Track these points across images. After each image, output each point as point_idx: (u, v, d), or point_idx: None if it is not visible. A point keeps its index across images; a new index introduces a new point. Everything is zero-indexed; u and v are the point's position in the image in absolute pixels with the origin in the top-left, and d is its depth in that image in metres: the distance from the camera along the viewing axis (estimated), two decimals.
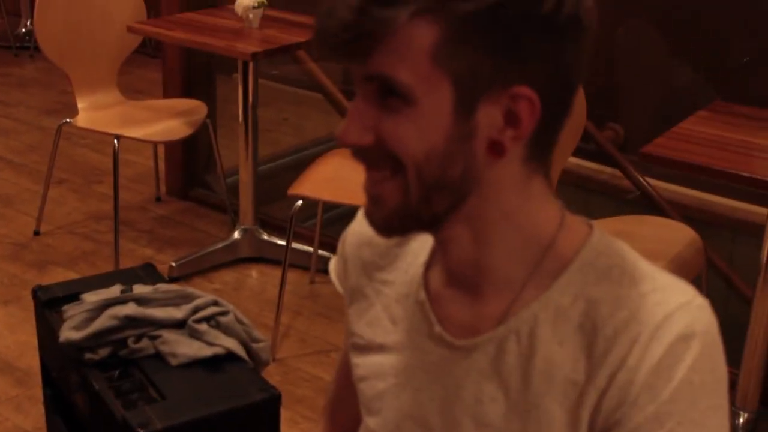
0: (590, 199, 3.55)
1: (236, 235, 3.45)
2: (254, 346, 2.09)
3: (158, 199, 3.92)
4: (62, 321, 2.05)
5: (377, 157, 0.93)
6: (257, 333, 2.13)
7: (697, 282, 2.52)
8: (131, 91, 3.72)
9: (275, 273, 3.31)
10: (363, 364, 1.11)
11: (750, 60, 3.33)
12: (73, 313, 2.03)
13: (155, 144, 3.74)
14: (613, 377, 0.92)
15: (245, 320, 2.12)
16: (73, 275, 3.19)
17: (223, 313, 2.08)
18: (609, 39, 3.45)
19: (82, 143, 4.35)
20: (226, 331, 2.06)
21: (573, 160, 3.55)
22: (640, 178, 3.32)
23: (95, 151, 4.29)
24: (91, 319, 2.00)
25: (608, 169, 3.50)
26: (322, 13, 0.88)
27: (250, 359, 2.06)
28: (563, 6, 0.88)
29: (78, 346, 1.98)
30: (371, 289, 1.11)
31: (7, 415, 2.60)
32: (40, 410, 2.46)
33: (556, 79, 0.91)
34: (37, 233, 3.59)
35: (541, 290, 0.97)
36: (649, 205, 3.31)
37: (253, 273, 3.42)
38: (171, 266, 3.30)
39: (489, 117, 0.90)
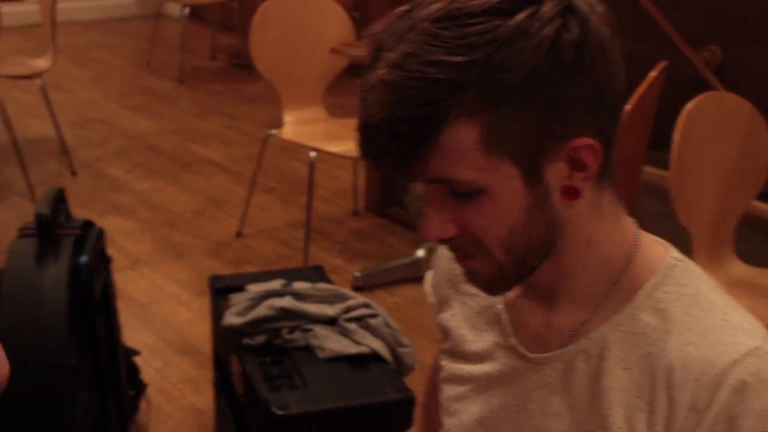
0: None
1: (420, 253, 3.58)
2: (400, 350, 2.19)
3: (356, 214, 4.12)
4: (227, 308, 2.24)
5: (464, 244, 0.97)
6: (405, 339, 2.23)
7: None
8: (342, 110, 3.94)
9: None
10: (447, 367, 1.18)
11: None
12: (237, 300, 2.21)
13: (352, 160, 3.93)
14: (679, 414, 0.93)
15: (394, 325, 2.23)
16: None
17: (373, 316, 2.20)
18: None
19: (295, 157, 4.62)
20: (374, 332, 2.17)
21: None
22: None
23: (304, 164, 4.54)
24: (251, 308, 2.17)
25: None
26: (363, 140, 0.93)
27: (395, 362, 2.17)
28: (583, 48, 0.89)
29: (238, 331, 2.16)
30: (457, 300, 1.18)
31: (186, 394, 2.83)
32: (213, 392, 2.67)
33: (600, 108, 0.93)
34: (239, 234, 3.86)
35: (612, 312, 1.00)
36: None
37: None
38: (355, 276, 3.46)
39: (557, 171, 0.94)
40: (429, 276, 1.27)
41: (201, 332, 3.11)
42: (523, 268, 0.99)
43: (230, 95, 5.79)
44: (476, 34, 0.87)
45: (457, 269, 1.16)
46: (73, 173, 4.48)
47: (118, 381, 2.36)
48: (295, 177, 4.48)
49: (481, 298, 1.14)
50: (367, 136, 0.92)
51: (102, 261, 2.20)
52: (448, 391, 1.17)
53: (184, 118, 5.40)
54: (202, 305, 3.31)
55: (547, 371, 1.04)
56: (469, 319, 1.15)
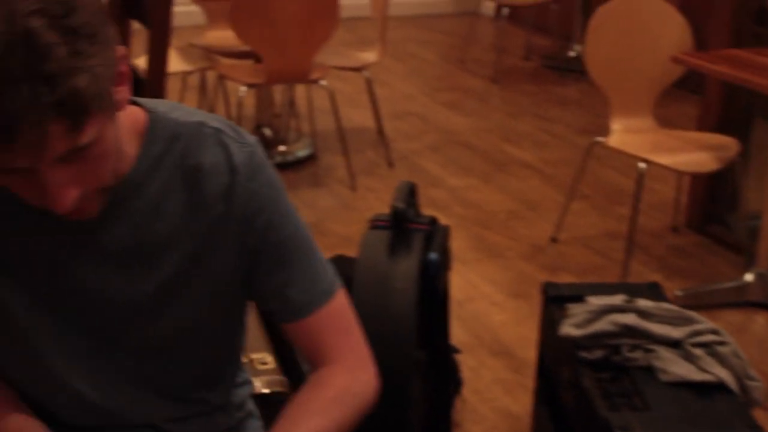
0: None
1: (748, 277, 3.37)
2: (748, 383, 2.05)
3: (675, 229, 3.95)
4: (564, 317, 2.18)
5: None
6: (754, 372, 2.09)
7: None
8: (665, 122, 3.79)
9: None
10: None
11: None
12: (576, 312, 2.16)
13: (680, 174, 3.76)
14: None
15: (743, 355, 2.09)
16: None
17: (722, 343, 2.08)
18: None
19: (609, 165, 4.50)
20: (722, 361, 2.05)
21: None
22: None
23: (621, 174, 4.42)
24: (591, 321, 2.11)
25: None
26: None
27: (742, 395, 2.04)
28: None
29: (575, 343, 2.10)
30: None
31: (498, 396, 2.81)
32: (529, 398, 2.64)
33: None
34: (554, 240, 3.81)
35: None
36: None
37: (760, 319, 3.31)
38: (676, 295, 3.31)
39: None
40: None
41: (517, 336, 3.09)
42: None
43: (543, 97, 5.74)
44: None
45: None
46: (390, 164, 4.60)
47: (444, 377, 2.37)
48: (612, 185, 4.36)
49: None
50: None
51: (446, 258, 2.21)
52: None
53: (497, 117, 5.41)
54: (517, 308, 3.29)
55: None
56: None
